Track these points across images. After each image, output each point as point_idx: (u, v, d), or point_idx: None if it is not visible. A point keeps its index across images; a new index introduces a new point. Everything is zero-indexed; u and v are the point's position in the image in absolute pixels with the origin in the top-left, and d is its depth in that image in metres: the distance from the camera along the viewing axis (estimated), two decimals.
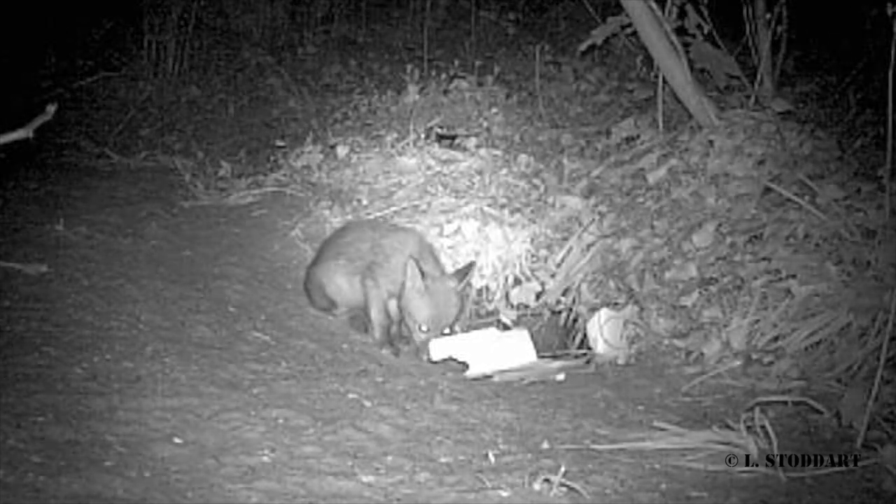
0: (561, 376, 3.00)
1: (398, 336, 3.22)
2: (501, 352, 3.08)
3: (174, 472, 2.00)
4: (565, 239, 3.71)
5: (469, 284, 3.31)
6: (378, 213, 3.90)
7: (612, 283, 3.43)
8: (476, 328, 3.56)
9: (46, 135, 4.59)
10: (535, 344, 3.24)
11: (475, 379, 2.96)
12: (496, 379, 2.97)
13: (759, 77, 4.02)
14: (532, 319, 3.73)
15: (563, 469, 2.05)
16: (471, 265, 3.17)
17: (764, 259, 3.04)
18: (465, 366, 3.03)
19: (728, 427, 2.34)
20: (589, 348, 3.34)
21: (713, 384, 2.78)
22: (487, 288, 3.73)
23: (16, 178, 4.31)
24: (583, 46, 4.29)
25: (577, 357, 3.26)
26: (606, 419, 2.58)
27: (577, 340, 3.49)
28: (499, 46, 6.20)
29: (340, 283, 3.25)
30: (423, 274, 2.98)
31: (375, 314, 3.16)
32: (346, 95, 5.51)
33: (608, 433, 2.45)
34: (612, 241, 3.55)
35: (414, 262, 2.97)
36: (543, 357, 3.21)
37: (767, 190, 3.33)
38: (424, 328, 3.02)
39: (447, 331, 3.06)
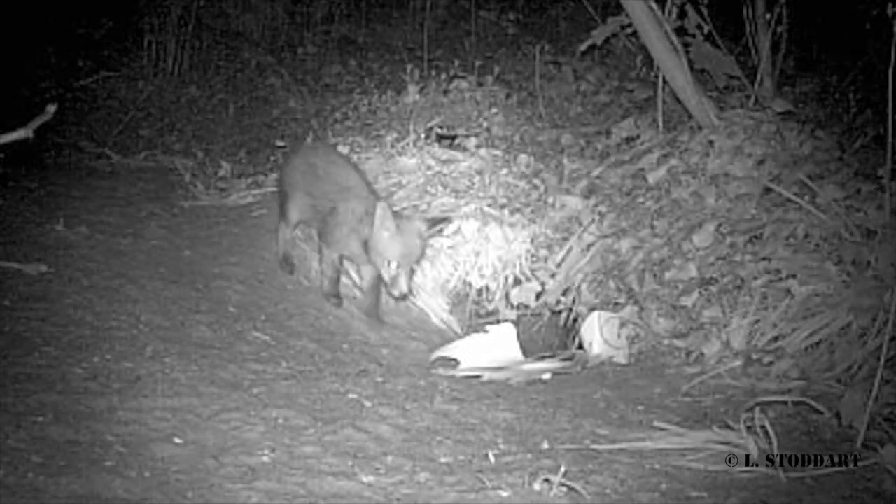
0: (546, 376, 3.03)
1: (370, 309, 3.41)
2: (487, 345, 3.19)
3: (174, 472, 2.00)
4: (565, 239, 3.71)
5: (440, 232, 3.49)
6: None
7: (612, 283, 3.43)
8: (475, 329, 3.58)
9: (46, 135, 4.60)
10: (535, 343, 3.24)
11: (467, 376, 2.98)
12: (485, 378, 2.98)
13: (759, 77, 4.02)
14: (532, 319, 3.73)
15: (563, 469, 2.05)
16: (445, 219, 3.32)
17: (764, 259, 3.04)
18: (455, 361, 3.05)
19: (728, 427, 2.34)
20: (580, 348, 3.34)
21: (713, 384, 2.78)
22: (487, 288, 3.73)
23: (16, 178, 4.31)
24: (583, 47, 4.29)
25: (564, 360, 3.25)
26: (606, 419, 2.58)
27: (577, 341, 3.50)
28: (499, 46, 6.20)
29: (299, 205, 3.49)
30: (393, 216, 3.12)
31: (325, 267, 3.41)
32: (346, 95, 5.51)
33: (608, 433, 2.45)
34: (612, 241, 3.55)
35: (386, 207, 3.10)
36: (532, 358, 3.22)
37: (767, 190, 3.33)
38: (394, 264, 3.12)
39: (412, 268, 3.20)
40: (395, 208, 3.85)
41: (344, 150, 4.40)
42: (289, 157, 3.79)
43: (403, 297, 3.17)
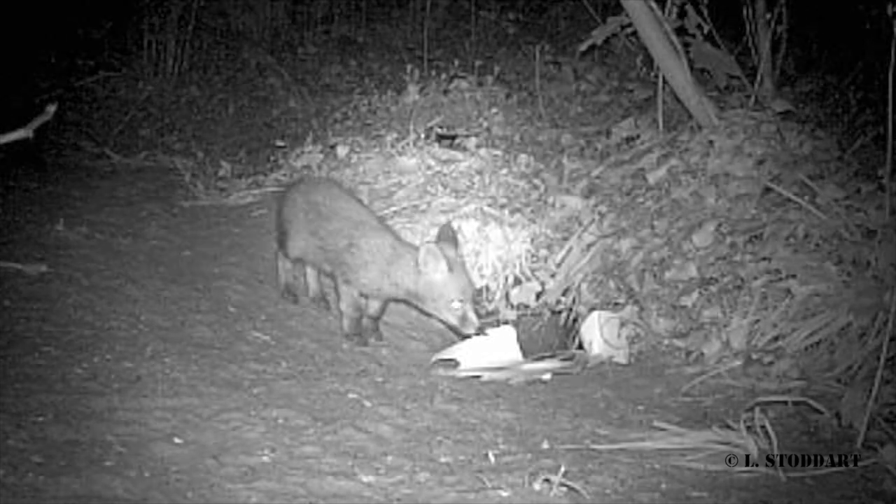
0: (546, 376, 3.02)
1: (372, 328, 3.25)
2: (487, 348, 3.13)
3: (174, 472, 2.00)
4: (565, 239, 3.71)
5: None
6: (378, 213, 3.89)
7: (612, 283, 3.43)
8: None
9: (46, 135, 4.61)
10: (535, 343, 3.23)
11: (466, 377, 2.97)
12: (484, 378, 2.98)
13: (759, 77, 4.03)
14: (532, 319, 3.73)
15: (563, 469, 2.05)
16: (447, 227, 3.14)
17: (764, 259, 3.04)
18: (455, 362, 3.05)
19: (728, 427, 2.34)
20: (580, 348, 3.34)
21: (713, 384, 2.78)
22: (487, 288, 3.73)
23: (16, 178, 4.31)
24: (583, 46, 4.29)
25: (564, 360, 3.25)
26: (606, 419, 2.58)
27: (577, 341, 3.50)
28: (499, 46, 6.21)
29: (301, 247, 3.27)
30: (446, 257, 2.94)
31: (346, 307, 3.17)
32: (346, 95, 5.52)
33: (608, 433, 2.45)
34: (612, 241, 3.55)
35: (432, 248, 2.93)
36: (532, 358, 3.22)
37: (767, 190, 3.33)
38: (457, 303, 2.97)
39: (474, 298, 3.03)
40: (393, 208, 3.88)
41: (344, 150, 4.41)
42: (287, 191, 3.48)
43: (479, 331, 3.02)
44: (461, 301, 2.97)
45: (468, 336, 3.05)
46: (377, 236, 3.12)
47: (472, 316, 2.99)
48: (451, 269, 2.96)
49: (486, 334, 3.20)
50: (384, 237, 3.12)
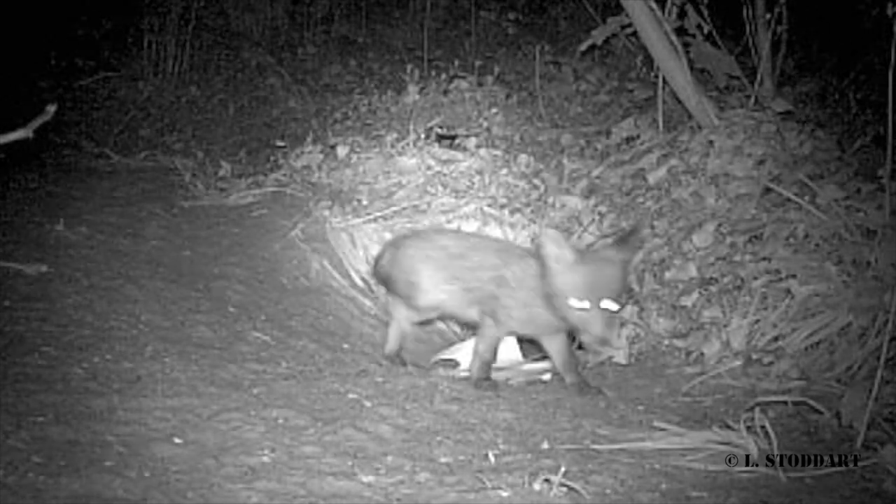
0: (546, 376, 3.02)
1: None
2: None
3: (174, 472, 2.00)
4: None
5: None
6: (378, 213, 3.90)
7: None
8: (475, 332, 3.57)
9: (46, 135, 4.59)
10: (535, 343, 3.22)
11: (466, 377, 2.97)
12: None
13: (759, 77, 4.03)
14: None
15: (563, 469, 2.05)
16: (634, 231, 2.68)
17: (764, 259, 3.04)
18: (455, 363, 3.05)
19: (728, 427, 2.34)
20: (580, 348, 3.34)
21: (713, 384, 2.78)
22: None
23: (16, 178, 4.31)
24: (583, 46, 4.30)
25: None
26: (606, 419, 2.58)
27: (577, 341, 3.49)
28: (499, 46, 6.21)
29: (440, 299, 2.95)
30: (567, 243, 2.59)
31: (482, 348, 2.88)
32: (346, 95, 5.53)
33: (608, 433, 2.45)
34: None
35: (554, 234, 2.59)
36: (532, 358, 3.22)
37: (767, 190, 3.33)
38: (576, 302, 2.50)
39: (612, 305, 2.51)
40: (393, 208, 3.88)
41: (344, 150, 4.41)
42: (399, 247, 3.06)
43: (602, 342, 2.54)
44: (585, 301, 2.48)
45: (594, 345, 2.66)
46: (521, 261, 2.79)
47: (595, 322, 2.47)
48: (578, 262, 2.51)
49: None
50: (529, 258, 2.77)
